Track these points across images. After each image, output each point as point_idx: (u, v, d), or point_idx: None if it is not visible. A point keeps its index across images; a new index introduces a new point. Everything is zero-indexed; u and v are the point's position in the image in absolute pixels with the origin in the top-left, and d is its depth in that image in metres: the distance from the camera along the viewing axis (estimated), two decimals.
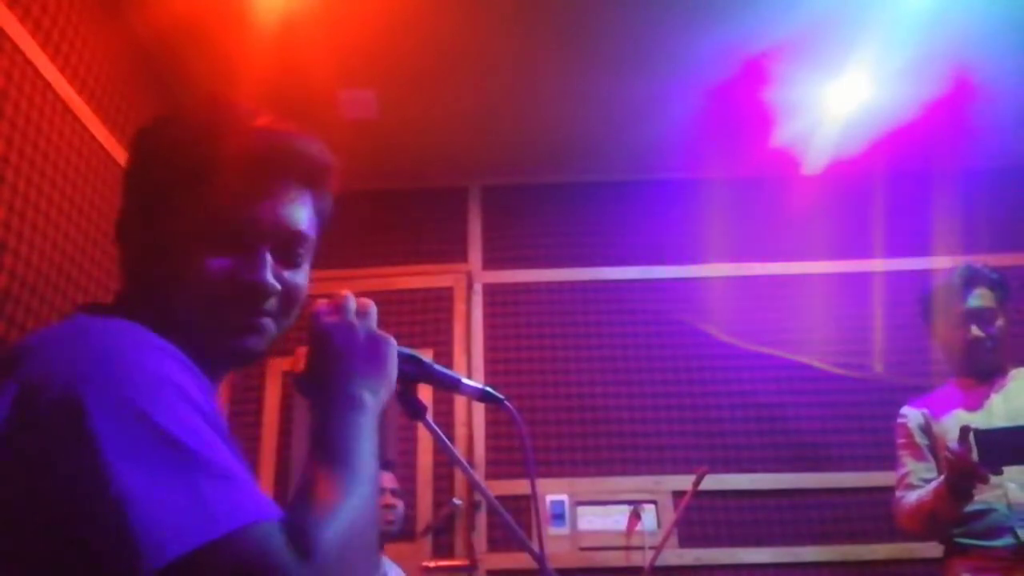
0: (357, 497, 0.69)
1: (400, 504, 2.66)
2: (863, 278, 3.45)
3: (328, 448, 0.73)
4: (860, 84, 2.97)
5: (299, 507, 0.67)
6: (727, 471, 3.15)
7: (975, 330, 2.14)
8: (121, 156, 2.49)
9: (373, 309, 0.86)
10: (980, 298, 2.17)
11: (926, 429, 2.20)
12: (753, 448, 3.21)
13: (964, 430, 1.88)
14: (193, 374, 0.69)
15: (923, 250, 3.46)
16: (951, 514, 2.00)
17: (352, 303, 0.85)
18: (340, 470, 0.71)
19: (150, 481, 0.58)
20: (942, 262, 3.43)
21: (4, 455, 0.61)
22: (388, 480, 2.64)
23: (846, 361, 3.32)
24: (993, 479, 1.92)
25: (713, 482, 2.95)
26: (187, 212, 0.77)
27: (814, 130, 3.25)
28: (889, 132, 3.26)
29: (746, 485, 3.16)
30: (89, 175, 2.31)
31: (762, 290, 3.46)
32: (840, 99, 3.05)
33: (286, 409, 3.29)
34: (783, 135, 3.29)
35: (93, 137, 2.34)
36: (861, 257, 3.49)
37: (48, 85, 2.11)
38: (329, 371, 0.80)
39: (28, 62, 2.02)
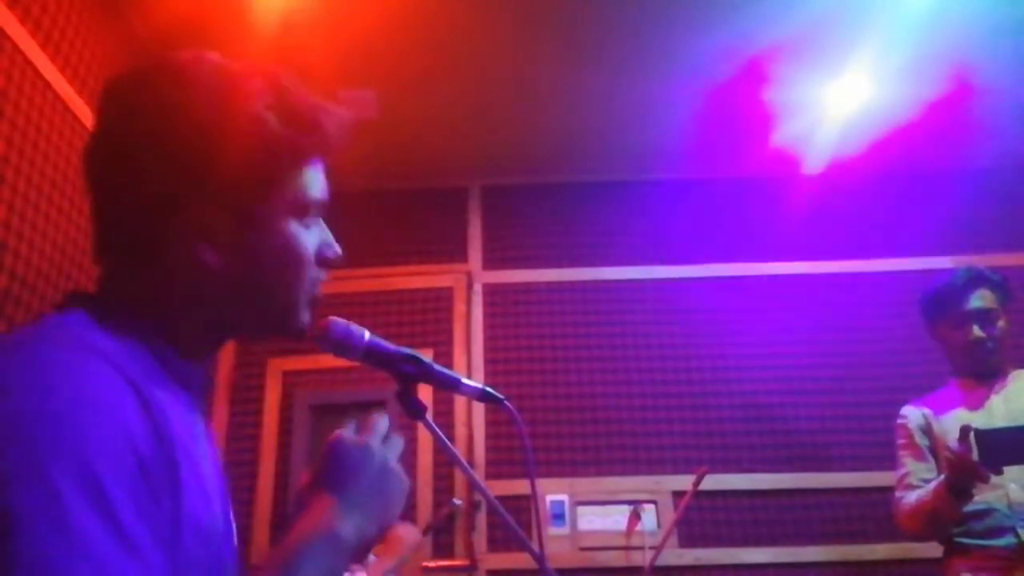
0: None
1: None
2: (863, 278, 3.46)
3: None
4: (860, 84, 2.97)
5: None
6: (727, 471, 3.15)
7: (976, 331, 2.15)
8: None
9: (399, 443, 0.82)
10: (982, 299, 2.18)
11: (926, 429, 2.21)
12: (753, 448, 3.21)
13: (964, 429, 1.89)
14: (139, 405, 0.64)
15: (923, 250, 3.47)
16: (951, 514, 2.00)
17: (383, 428, 0.81)
18: None
19: (71, 546, 0.54)
20: (942, 262, 3.44)
21: None
22: None
23: (846, 361, 3.32)
24: (994, 479, 1.93)
25: (713, 482, 2.95)
26: (284, 215, 0.77)
27: (814, 130, 3.25)
28: (889, 132, 3.26)
29: (746, 485, 3.16)
30: None
31: (762, 290, 3.46)
32: (840, 99, 3.05)
33: (286, 409, 3.29)
34: (783, 135, 3.29)
35: None
36: (861, 257, 3.49)
37: (48, 85, 2.11)
38: (325, 489, 0.74)
39: (28, 62, 2.02)
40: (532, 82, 2.99)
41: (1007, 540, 1.97)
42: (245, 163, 0.73)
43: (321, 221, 0.83)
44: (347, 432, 0.79)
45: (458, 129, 3.26)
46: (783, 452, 3.20)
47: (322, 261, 0.81)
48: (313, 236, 0.81)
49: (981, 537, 2.03)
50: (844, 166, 3.49)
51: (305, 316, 0.81)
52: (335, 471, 0.76)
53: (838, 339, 3.35)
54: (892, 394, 3.27)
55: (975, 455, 1.86)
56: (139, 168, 0.72)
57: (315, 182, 0.80)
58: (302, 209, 0.79)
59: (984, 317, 2.17)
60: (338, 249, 0.83)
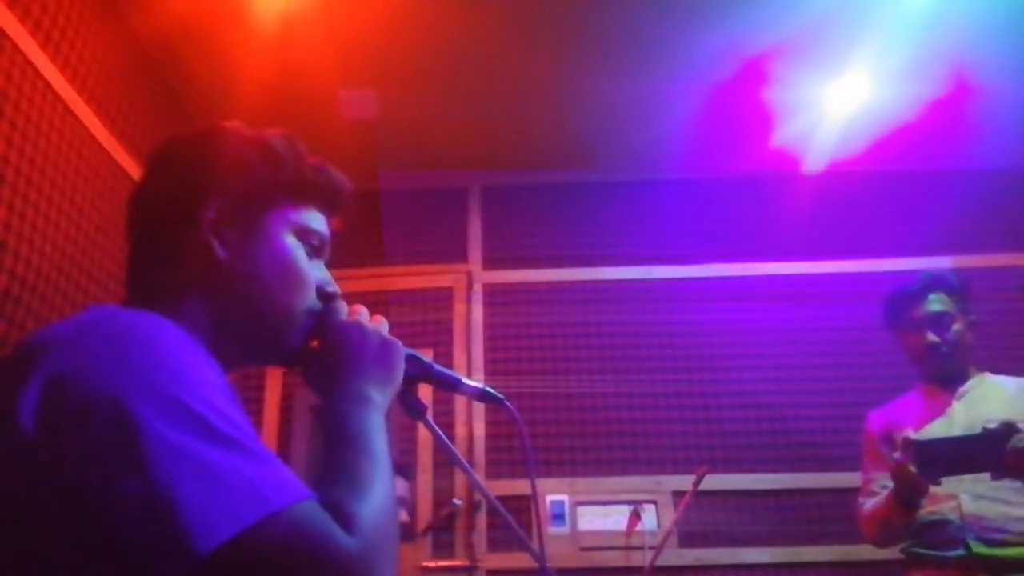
0: (382, 482, 0.71)
1: (403, 512, 2.59)
2: (863, 278, 3.45)
3: (348, 439, 0.75)
4: (860, 84, 2.97)
5: (330, 488, 0.68)
6: (727, 471, 3.15)
7: (930, 336, 2.13)
8: (121, 156, 2.49)
9: (385, 322, 0.92)
10: (935, 303, 2.15)
11: (887, 437, 2.20)
12: (753, 448, 3.21)
13: (904, 442, 1.90)
14: (216, 370, 0.73)
15: (923, 250, 3.46)
16: (901, 522, 2.02)
17: (366, 313, 0.91)
18: (363, 457, 0.73)
19: (195, 466, 0.59)
20: (942, 262, 3.44)
21: (40, 453, 0.60)
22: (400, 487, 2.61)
23: (846, 361, 3.32)
24: (946, 490, 1.94)
25: (713, 482, 2.94)
26: (285, 229, 0.87)
27: (814, 130, 3.25)
28: (889, 132, 3.26)
29: (746, 485, 3.16)
30: (89, 175, 2.31)
31: (762, 290, 3.45)
32: (840, 99, 3.05)
33: (286, 409, 3.29)
34: (783, 135, 3.29)
35: (93, 137, 2.34)
36: (861, 257, 3.49)
37: (48, 85, 2.11)
38: (342, 368, 0.84)
39: (28, 62, 2.02)
40: (532, 82, 2.99)
41: (958, 552, 1.96)
42: (249, 181, 0.86)
43: (322, 264, 0.92)
44: (341, 318, 0.88)
45: (458, 129, 3.26)
46: (783, 452, 3.20)
47: (321, 294, 0.89)
48: (314, 268, 0.90)
49: (934, 548, 2.03)
50: (844, 166, 3.49)
51: (295, 337, 0.87)
52: (344, 352, 0.85)
53: (838, 339, 3.35)
54: (892, 394, 3.26)
55: (913, 467, 1.86)
56: (169, 188, 0.87)
57: (316, 220, 0.91)
58: (302, 231, 0.89)
59: (938, 321, 2.14)
60: (337, 289, 0.91)
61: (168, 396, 0.62)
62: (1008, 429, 1.84)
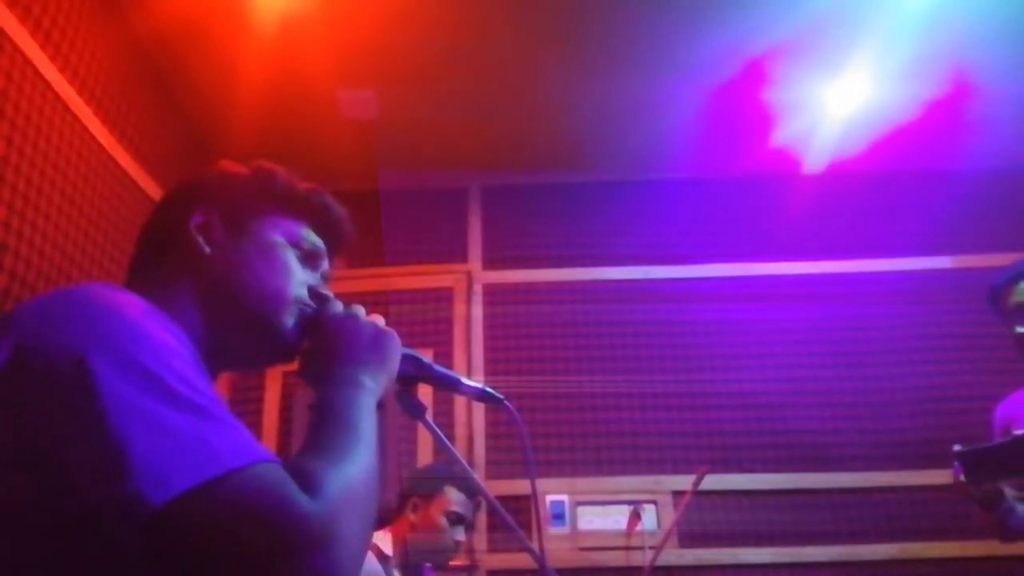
0: (360, 455, 0.71)
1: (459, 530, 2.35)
2: (863, 278, 3.45)
3: (331, 416, 0.76)
4: (860, 84, 2.97)
5: (304, 455, 0.69)
6: (727, 471, 3.15)
7: (1018, 328, 2.01)
8: (120, 156, 2.49)
9: (381, 318, 0.93)
10: (1019, 294, 2.04)
11: (1005, 430, 2.09)
12: (753, 448, 3.21)
13: (953, 452, 1.85)
14: (182, 340, 0.74)
15: (923, 250, 3.47)
16: (993, 526, 1.96)
17: (363, 311, 0.92)
18: (344, 432, 0.73)
19: (151, 424, 0.59)
20: (942, 262, 3.44)
21: (3, 413, 0.62)
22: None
23: (846, 361, 3.32)
24: None
25: (713, 482, 2.94)
26: (273, 232, 0.90)
27: (814, 130, 3.25)
28: (889, 132, 3.26)
29: (746, 485, 3.16)
30: (89, 175, 2.31)
31: (762, 290, 3.45)
32: (840, 99, 3.05)
33: (286, 409, 3.29)
34: (783, 135, 3.29)
35: (93, 137, 2.34)
36: (861, 257, 3.49)
37: (48, 85, 2.11)
38: (334, 355, 0.84)
39: (28, 62, 2.02)
40: (532, 82, 2.99)
41: None
42: (240, 191, 0.91)
43: (317, 275, 0.94)
44: (333, 310, 0.89)
45: (458, 129, 3.26)
46: (783, 452, 3.20)
47: (315, 295, 0.91)
48: (305, 273, 0.92)
49: None
50: (844, 166, 3.49)
51: (290, 330, 0.88)
52: (334, 342, 0.85)
53: (838, 339, 3.35)
54: (892, 394, 3.28)
55: (961, 476, 1.83)
56: (166, 204, 0.93)
57: (307, 232, 0.93)
58: (292, 236, 0.91)
59: (1020, 311, 2.02)
60: (329, 293, 0.92)
61: (129, 358, 0.62)
62: None
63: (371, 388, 0.82)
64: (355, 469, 0.69)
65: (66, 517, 0.59)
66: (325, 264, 0.95)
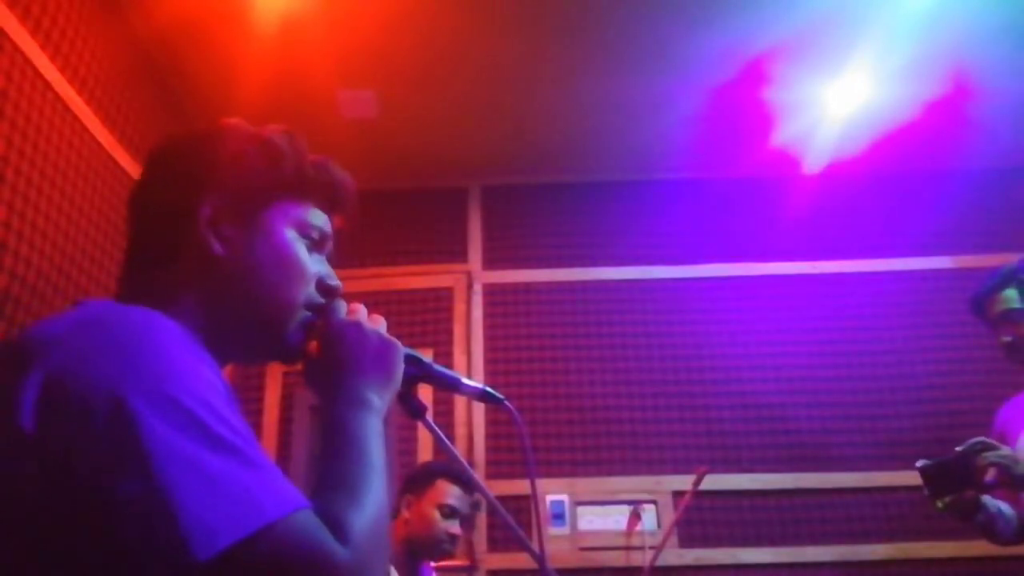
0: (376, 489, 0.73)
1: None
2: (863, 278, 3.45)
3: (346, 443, 0.76)
4: (860, 84, 2.97)
5: (327, 497, 0.69)
6: (727, 471, 3.15)
7: (1003, 337, 2.01)
8: (121, 156, 2.49)
9: (384, 321, 0.91)
10: (1003, 302, 2.01)
11: (1000, 436, 2.08)
12: (753, 448, 3.21)
13: (917, 468, 1.86)
14: (214, 369, 0.72)
15: (923, 250, 3.47)
16: (982, 529, 1.94)
17: (365, 312, 0.90)
18: (359, 464, 0.74)
19: (194, 471, 0.59)
20: (942, 262, 3.44)
21: (39, 451, 0.60)
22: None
23: (846, 361, 3.32)
24: None
25: (713, 482, 2.94)
26: (284, 223, 0.86)
27: (814, 130, 3.25)
28: (889, 132, 3.26)
29: (746, 485, 3.16)
30: (89, 175, 2.31)
31: (762, 290, 3.45)
32: (840, 99, 3.05)
33: (286, 409, 3.29)
34: (783, 135, 3.29)
35: (93, 137, 2.34)
36: (861, 257, 3.49)
37: (48, 85, 2.11)
38: (341, 369, 0.83)
39: (28, 62, 2.02)
40: (532, 82, 2.99)
41: None
42: (248, 177, 0.85)
43: (323, 259, 0.91)
44: (340, 317, 0.88)
45: (458, 129, 3.26)
46: (783, 452, 3.20)
47: (322, 288, 0.88)
48: (314, 263, 0.88)
49: None
50: (844, 166, 3.49)
51: (295, 331, 0.86)
52: (343, 351, 0.84)
53: (838, 339, 3.35)
54: (892, 394, 3.28)
55: (925, 490, 1.85)
56: (166, 186, 0.85)
57: (316, 216, 0.89)
58: (302, 226, 0.87)
59: (1008, 319, 2.00)
60: (338, 283, 0.90)
61: (168, 397, 0.62)
62: (982, 446, 1.81)
63: (378, 407, 0.82)
64: (374, 507, 0.71)
65: (108, 563, 0.59)
66: (331, 244, 0.92)
